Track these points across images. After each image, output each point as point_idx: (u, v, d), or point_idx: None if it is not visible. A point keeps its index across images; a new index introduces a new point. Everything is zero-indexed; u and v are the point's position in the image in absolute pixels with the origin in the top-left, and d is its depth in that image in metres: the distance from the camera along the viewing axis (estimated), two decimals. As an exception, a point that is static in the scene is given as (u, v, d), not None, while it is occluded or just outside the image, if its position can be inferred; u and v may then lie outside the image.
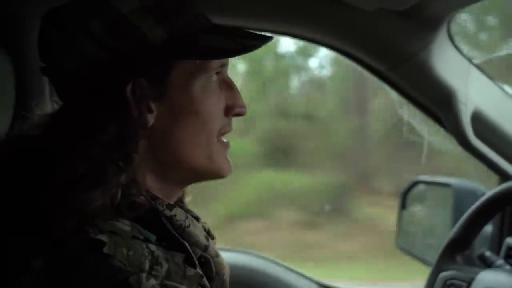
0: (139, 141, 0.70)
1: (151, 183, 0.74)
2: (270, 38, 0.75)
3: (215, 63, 0.75)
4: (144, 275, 0.63)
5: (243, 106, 0.78)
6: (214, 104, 0.75)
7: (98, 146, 0.67)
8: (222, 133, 0.77)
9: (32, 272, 0.64)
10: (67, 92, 0.74)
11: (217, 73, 0.76)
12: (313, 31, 1.25)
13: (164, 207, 0.73)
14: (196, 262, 0.72)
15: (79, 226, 0.65)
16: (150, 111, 0.72)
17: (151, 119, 0.72)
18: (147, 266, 0.65)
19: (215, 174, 0.77)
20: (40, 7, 0.74)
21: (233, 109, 0.78)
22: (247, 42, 0.74)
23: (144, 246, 0.66)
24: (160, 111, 0.72)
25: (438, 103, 1.28)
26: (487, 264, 1.20)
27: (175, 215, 0.73)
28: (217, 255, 0.78)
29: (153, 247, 0.67)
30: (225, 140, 0.79)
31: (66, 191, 0.66)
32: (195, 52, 0.72)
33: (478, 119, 1.26)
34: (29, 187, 0.67)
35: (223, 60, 0.77)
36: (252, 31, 0.76)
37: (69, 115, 0.72)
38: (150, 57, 0.71)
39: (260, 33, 0.76)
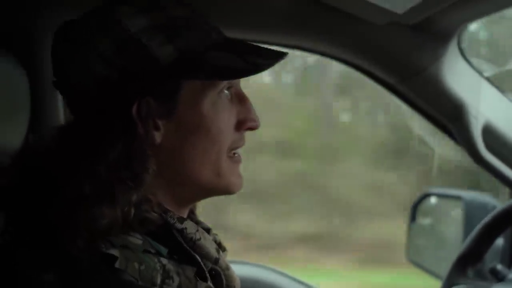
0: (147, 160, 0.69)
1: (162, 199, 0.73)
2: (284, 55, 0.73)
3: None
4: None
5: (255, 120, 0.77)
6: (225, 121, 0.74)
7: (104, 164, 0.67)
8: (233, 148, 0.76)
9: (45, 287, 0.63)
10: (76, 107, 0.74)
11: (229, 87, 0.75)
12: (323, 45, 1.26)
13: (175, 220, 0.72)
14: (207, 275, 0.71)
15: (90, 243, 0.64)
16: (157, 129, 0.71)
17: (158, 137, 0.71)
18: (158, 280, 0.64)
19: (224, 191, 0.76)
20: (53, 19, 0.74)
21: (244, 124, 0.76)
22: (260, 61, 0.72)
23: (155, 260, 0.66)
24: (168, 129, 0.71)
25: (448, 116, 1.28)
26: (498, 278, 1.20)
27: (185, 228, 0.72)
28: (228, 268, 0.77)
29: (164, 260, 0.67)
30: (236, 155, 0.77)
31: (73, 209, 0.65)
32: (203, 73, 0.71)
33: (489, 132, 1.26)
34: (40, 202, 0.67)
35: None
36: (266, 47, 0.74)
37: (77, 131, 0.72)
38: (157, 76, 0.70)
39: (273, 48, 0.74)
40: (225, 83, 0.73)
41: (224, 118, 0.74)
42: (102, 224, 0.65)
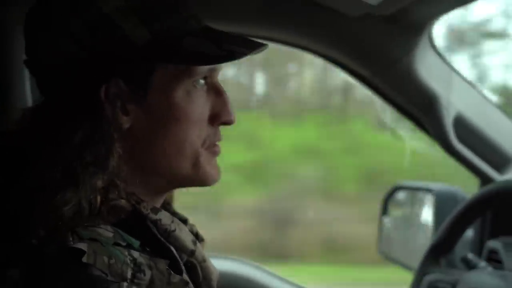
0: (111, 144, 0.67)
1: (134, 187, 0.71)
2: (261, 46, 0.71)
3: (202, 67, 0.71)
4: (125, 284, 0.61)
5: (230, 114, 0.74)
6: (197, 112, 0.72)
7: (68, 147, 0.65)
8: (209, 144, 0.74)
9: (9, 283, 0.61)
10: (46, 87, 0.72)
11: (206, 78, 0.73)
12: (297, 37, 1.26)
13: (149, 211, 0.70)
14: (183, 268, 0.70)
15: (54, 233, 0.62)
16: (126, 113, 0.69)
17: (126, 122, 0.69)
18: (129, 275, 0.62)
19: (200, 182, 0.75)
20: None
21: (219, 118, 0.74)
22: (235, 49, 0.70)
23: (126, 253, 0.64)
24: (138, 114, 0.70)
25: (421, 108, 1.30)
26: (470, 266, 1.21)
27: (160, 219, 0.70)
28: (205, 260, 0.76)
29: (135, 254, 0.65)
30: (215, 147, 0.75)
31: (34, 195, 0.63)
32: (177, 56, 0.69)
33: (460, 123, 1.29)
34: (4, 190, 0.64)
35: (212, 65, 0.73)
36: (245, 37, 0.73)
37: (44, 113, 0.70)
38: (129, 58, 0.68)
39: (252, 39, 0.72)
40: (200, 72, 0.71)
41: (198, 109, 0.72)
42: (64, 212, 0.62)
